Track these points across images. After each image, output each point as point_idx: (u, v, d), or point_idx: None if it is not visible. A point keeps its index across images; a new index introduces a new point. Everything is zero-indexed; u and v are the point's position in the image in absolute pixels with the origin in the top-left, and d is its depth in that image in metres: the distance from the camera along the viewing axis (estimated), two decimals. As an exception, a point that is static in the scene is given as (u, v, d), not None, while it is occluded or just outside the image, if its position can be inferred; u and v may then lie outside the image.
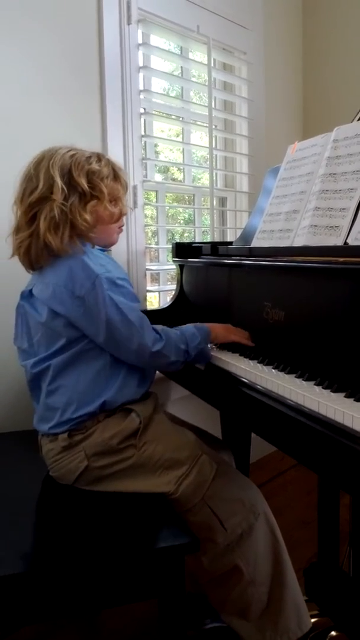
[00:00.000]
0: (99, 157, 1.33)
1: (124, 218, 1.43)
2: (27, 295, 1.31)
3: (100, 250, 1.34)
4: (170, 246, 1.95)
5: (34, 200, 1.24)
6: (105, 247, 1.40)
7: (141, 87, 2.12)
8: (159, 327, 1.30)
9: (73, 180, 1.25)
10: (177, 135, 2.74)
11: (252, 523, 1.29)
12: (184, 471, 1.26)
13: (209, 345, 1.36)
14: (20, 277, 1.34)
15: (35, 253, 1.25)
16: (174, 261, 1.91)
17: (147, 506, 1.22)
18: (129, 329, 1.23)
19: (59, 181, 1.23)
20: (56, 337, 1.26)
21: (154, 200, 2.35)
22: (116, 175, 1.35)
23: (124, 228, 1.48)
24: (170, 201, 2.62)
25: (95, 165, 1.29)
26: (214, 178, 2.46)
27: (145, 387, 1.36)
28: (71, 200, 1.25)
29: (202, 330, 1.35)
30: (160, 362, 1.29)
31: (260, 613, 1.28)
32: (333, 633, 1.48)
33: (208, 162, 2.42)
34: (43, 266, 1.27)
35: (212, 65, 2.36)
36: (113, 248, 1.98)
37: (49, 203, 1.23)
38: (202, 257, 1.79)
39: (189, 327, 1.35)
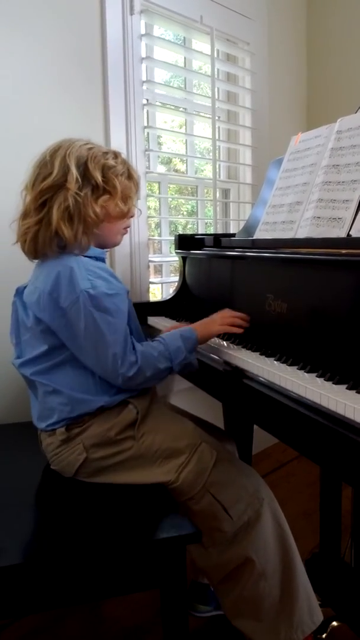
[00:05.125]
0: (116, 155, 1.32)
1: (131, 221, 1.41)
2: (21, 293, 1.32)
3: (96, 257, 1.30)
4: (173, 238, 1.95)
5: (46, 187, 1.22)
6: (107, 247, 1.38)
7: (144, 78, 2.11)
8: (139, 348, 1.24)
9: (88, 172, 1.24)
10: (180, 127, 2.73)
11: (258, 509, 1.29)
12: (184, 460, 1.26)
13: (194, 356, 1.30)
14: (20, 269, 1.34)
15: (42, 241, 1.23)
16: (176, 253, 1.91)
17: (148, 497, 1.22)
18: (105, 351, 1.19)
19: (74, 171, 1.21)
20: (40, 342, 1.25)
21: (157, 191, 2.34)
22: (130, 174, 1.34)
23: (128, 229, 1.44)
24: (173, 193, 2.61)
25: (111, 161, 1.28)
26: (217, 169, 2.45)
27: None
28: (84, 191, 1.23)
29: (188, 341, 1.29)
30: (135, 383, 1.23)
31: (272, 610, 1.27)
32: (334, 623, 1.49)
33: (211, 154, 2.42)
34: (48, 255, 1.24)
35: (216, 55, 2.35)
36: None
37: (62, 192, 1.21)
38: (205, 249, 1.79)
39: (175, 339, 1.28)
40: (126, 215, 1.35)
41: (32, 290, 1.25)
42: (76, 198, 1.21)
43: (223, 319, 1.36)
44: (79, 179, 1.22)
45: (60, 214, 1.21)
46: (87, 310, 1.17)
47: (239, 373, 1.21)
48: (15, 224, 1.28)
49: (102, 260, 1.34)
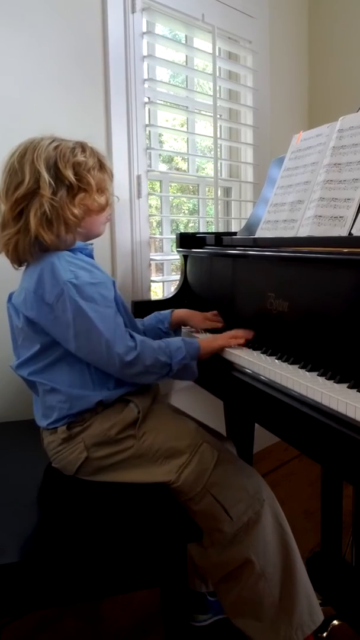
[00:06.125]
0: (83, 147, 1.29)
1: (111, 208, 1.40)
2: (12, 297, 1.32)
3: (80, 251, 1.30)
4: (175, 236, 1.95)
5: (20, 196, 1.21)
6: (91, 239, 1.37)
7: (145, 76, 2.10)
8: (139, 337, 1.24)
9: (60, 173, 1.22)
10: (182, 125, 2.72)
11: (258, 510, 1.29)
12: (185, 460, 1.26)
13: (195, 363, 1.30)
14: (18, 273, 1.33)
15: (22, 248, 1.22)
16: (178, 251, 1.91)
17: (149, 495, 1.22)
18: (98, 338, 1.18)
19: (45, 175, 1.20)
20: (32, 342, 1.25)
21: (158, 190, 2.34)
22: (102, 164, 1.32)
23: (111, 217, 1.44)
24: (175, 191, 2.61)
25: (80, 157, 1.26)
26: (219, 168, 2.45)
27: None
28: (60, 194, 1.22)
29: (190, 345, 1.28)
30: (133, 372, 1.22)
31: (272, 610, 1.27)
32: (335, 622, 1.49)
33: (212, 152, 2.42)
34: (29, 261, 1.25)
35: (217, 54, 2.34)
36: (118, 238, 1.99)
37: (37, 198, 1.20)
38: (206, 247, 1.78)
39: (177, 340, 1.29)
40: (105, 206, 1.35)
41: (19, 292, 1.26)
42: (52, 203, 1.20)
43: (226, 336, 1.36)
44: (52, 183, 1.21)
45: (37, 220, 1.20)
46: (72, 301, 1.17)
47: (240, 371, 1.21)
48: None
49: (89, 254, 1.33)
